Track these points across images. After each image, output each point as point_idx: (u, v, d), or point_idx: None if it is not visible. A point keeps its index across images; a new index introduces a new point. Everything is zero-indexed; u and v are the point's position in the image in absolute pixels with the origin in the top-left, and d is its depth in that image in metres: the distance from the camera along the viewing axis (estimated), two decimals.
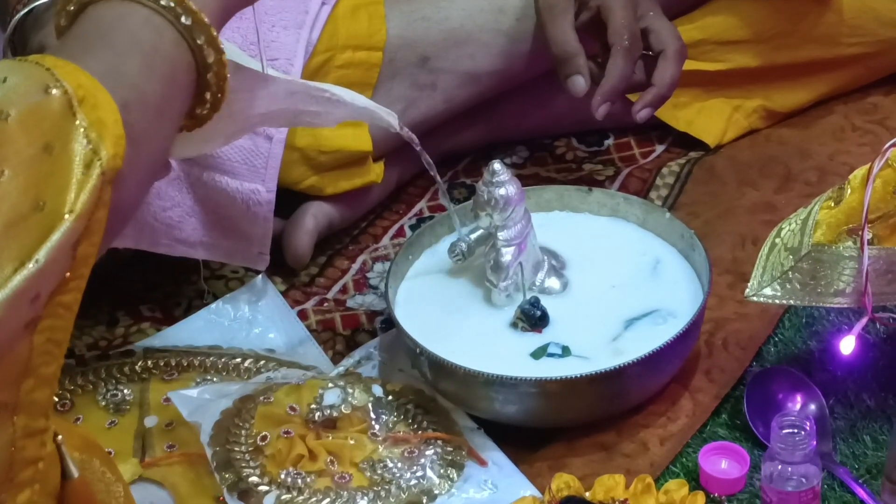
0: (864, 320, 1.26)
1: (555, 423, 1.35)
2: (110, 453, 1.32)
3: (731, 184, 1.64)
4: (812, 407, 1.32)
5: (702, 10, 1.69)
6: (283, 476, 1.30)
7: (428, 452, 1.33)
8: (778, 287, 1.28)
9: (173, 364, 1.46)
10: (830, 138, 1.69)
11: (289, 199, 1.56)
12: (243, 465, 1.30)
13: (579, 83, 1.48)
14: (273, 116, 1.26)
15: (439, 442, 1.34)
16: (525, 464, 1.33)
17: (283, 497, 1.28)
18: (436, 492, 1.30)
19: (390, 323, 1.46)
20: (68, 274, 0.87)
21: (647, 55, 1.50)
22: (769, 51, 1.69)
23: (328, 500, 1.28)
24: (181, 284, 1.57)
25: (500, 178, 1.39)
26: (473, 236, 1.43)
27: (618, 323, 1.38)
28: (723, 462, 1.30)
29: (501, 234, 1.39)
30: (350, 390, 1.37)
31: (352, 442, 1.33)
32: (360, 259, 1.60)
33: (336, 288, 1.57)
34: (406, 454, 1.33)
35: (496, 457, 1.33)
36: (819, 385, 1.33)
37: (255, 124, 1.30)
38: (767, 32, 1.68)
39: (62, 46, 0.96)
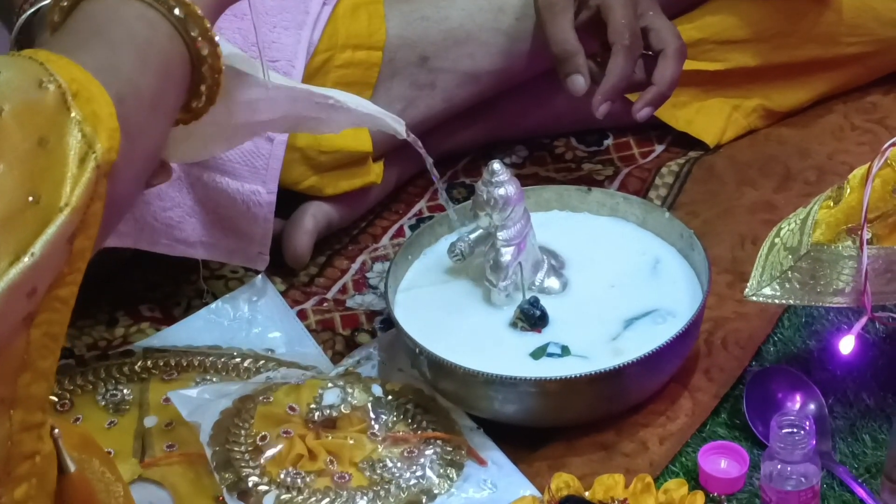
0: (864, 320, 1.26)
1: (554, 422, 1.35)
2: (110, 453, 1.32)
3: (731, 183, 1.64)
4: (811, 406, 1.32)
5: (701, 10, 1.69)
6: (282, 476, 1.30)
7: (427, 452, 1.33)
8: (777, 286, 1.28)
9: (173, 364, 1.46)
10: (830, 137, 1.69)
11: (288, 200, 1.56)
12: (243, 464, 1.30)
13: (579, 82, 1.48)
14: (276, 123, 1.26)
15: (439, 441, 1.34)
16: (524, 463, 1.33)
17: (283, 497, 1.28)
18: (435, 491, 1.30)
19: (390, 323, 1.46)
20: (65, 268, 0.87)
21: (646, 55, 1.50)
22: (768, 50, 1.69)
23: (328, 499, 1.28)
24: (181, 284, 1.57)
25: (500, 178, 1.39)
26: (473, 236, 1.43)
27: (617, 322, 1.38)
28: (722, 461, 1.30)
29: (501, 234, 1.39)
30: (349, 390, 1.37)
31: (351, 442, 1.33)
32: (359, 259, 1.60)
33: (335, 288, 1.57)
34: (405, 454, 1.33)
35: (496, 456, 1.33)
36: (818, 384, 1.33)
37: (258, 130, 1.30)
38: (767, 32, 1.68)
39: (56, 41, 0.96)
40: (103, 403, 1.43)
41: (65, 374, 1.45)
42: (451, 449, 1.33)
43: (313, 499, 1.28)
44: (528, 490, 1.29)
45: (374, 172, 1.60)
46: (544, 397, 1.32)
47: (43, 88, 0.87)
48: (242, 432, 1.33)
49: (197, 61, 1.01)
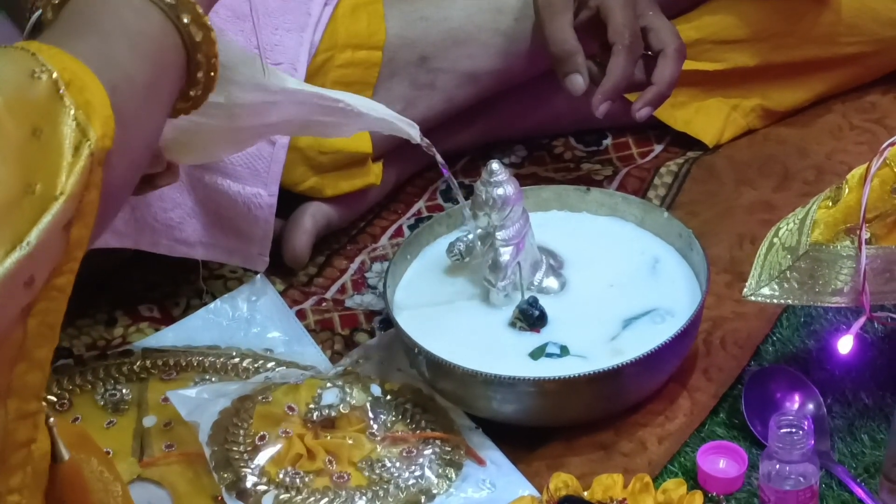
0: (862, 319, 1.26)
1: (553, 422, 1.35)
2: (108, 453, 1.32)
3: (730, 183, 1.64)
4: (810, 406, 1.32)
5: (700, 10, 1.69)
6: (281, 475, 1.30)
7: (426, 452, 1.33)
8: (776, 286, 1.28)
9: (172, 364, 1.46)
10: (828, 137, 1.69)
11: (288, 200, 1.56)
12: (241, 464, 1.30)
13: (578, 82, 1.48)
14: (284, 126, 1.25)
15: (437, 441, 1.34)
16: (523, 463, 1.33)
17: (282, 496, 1.28)
18: (434, 491, 1.30)
19: (388, 322, 1.46)
20: (62, 257, 0.87)
21: (646, 55, 1.50)
22: (767, 50, 1.69)
23: (326, 499, 1.28)
24: (180, 284, 1.57)
25: (499, 178, 1.39)
26: (471, 236, 1.43)
27: (616, 322, 1.38)
28: (721, 461, 1.30)
29: (500, 234, 1.39)
30: (348, 390, 1.37)
31: (350, 441, 1.33)
32: (358, 259, 1.60)
33: (334, 288, 1.57)
34: (404, 453, 1.33)
35: (494, 456, 1.33)
36: (817, 384, 1.33)
37: (266, 133, 1.29)
38: (765, 32, 1.68)
39: (47, 35, 0.96)
40: (102, 403, 1.43)
41: (63, 374, 1.45)
42: (449, 449, 1.33)
43: (312, 498, 1.28)
44: (527, 490, 1.29)
45: (374, 173, 1.60)
46: (543, 397, 1.32)
47: (35, 79, 0.87)
48: (241, 432, 1.33)
49: (191, 48, 1.00)
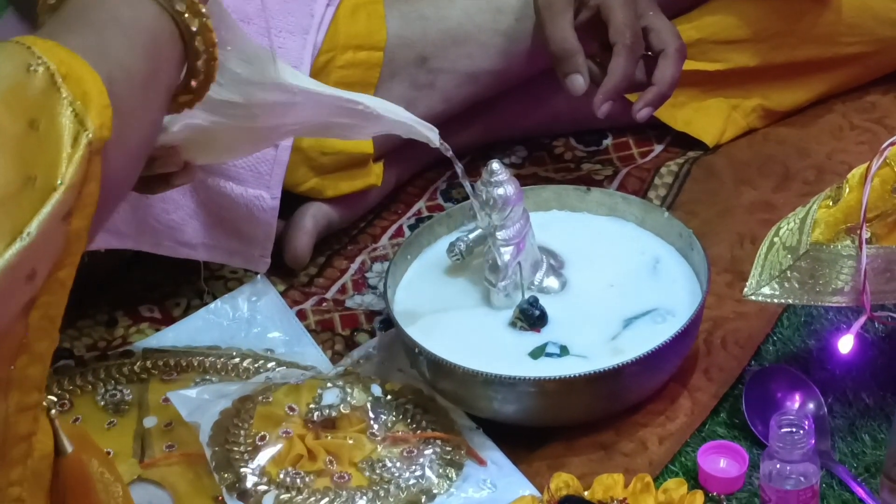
0: (863, 319, 1.26)
1: (553, 422, 1.35)
2: (109, 454, 1.32)
3: (730, 183, 1.64)
4: (811, 405, 1.32)
5: (700, 10, 1.69)
6: (281, 476, 1.30)
7: (427, 452, 1.33)
8: (776, 286, 1.28)
9: (172, 364, 1.46)
10: (829, 137, 1.69)
11: (288, 200, 1.56)
12: (242, 465, 1.30)
13: (578, 82, 1.48)
14: (304, 127, 1.24)
15: (438, 441, 1.34)
16: (524, 463, 1.33)
17: (282, 497, 1.28)
18: (435, 491, 1.30)
19: (389, 323, 1.46)
20: (63, 250, 0.87)
21: (646, 55, 1.50)
22: (767, 50, 1.69)
23: (327, 499, 1.28)
24: (180, 285, 1.57)
25: (499, 178, 1.39)
26: (472, 236, 1.43)
27: (616, 322, 1.38)
28: (721, 461, 1.30)
29: (500, 234, 1.39)
30: (349, 390, 1.37)
31: (351, 442, 1.33)
32: (358, 259, 1.60)
33: (335, 288, 1.57)
34: (405, 454, 1.33)
35: (495, 456, 1.33)
36: (818, 384, 1.33)
37: (285, 135, 1.28)
38: (766, 32, 1.68)
39: (44, 29, 0.96)
40: (103, 404, 1.43)
41: (64, 375, 1.45)
42: (450, 449, 1.33)
43: (313, 499, 1.28)
44: (528, 490, 1.29)
45: (375, 174, 1.60)
46: (543, 397, 1.32)
47: (31, 72, 0.87)
48: (242, 432, 1.33)
49: (188, 37, 1.00)
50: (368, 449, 1.33)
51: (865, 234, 1.23)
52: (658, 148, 1.72)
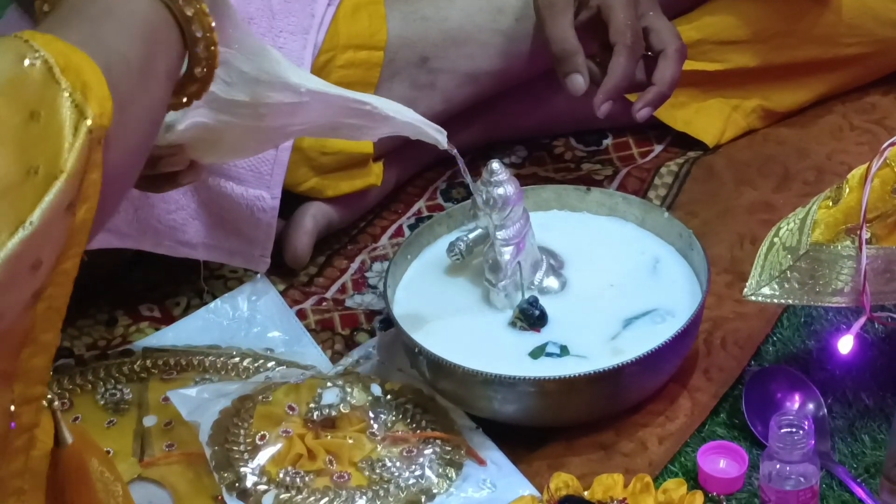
0: (863, 319, 1.26)
1: (553, 422, 1.35)
2: (109, 453, 1.32)
3: (730, 183, 1.64)
4: (810, 406, 1.32)
5: (700, 10, 1.69)
6: (281, 475, 1.30)
7: (427, 452, 1.33)
8: (776, 286, 1.28)
9: (172, 363, 1.46)
10: (829, 138, 1.69)
11: (288, 200, 1.56)
12: (242, 464, 1.30)
13: (578, 82, 1.48)
14: (310, 128, 1.24)
15: (438, 441, 1.34)
16: (524, 463, 1.33)
17: (282, 496, 1.28)
18: (434, 491, 1.30)
19: (389, 322, 1.46)
20: (67, 240, 0.87)
21: (646, 55, 1.50)
22: (768, 51, 1.69)
23: (327, 499, 1.28)
24: (180, 284, 1.57)
25: (499, 178, 1.39)
26: (472, 235, 1.43)
27: (616, 322, 1.38)
28: (721, 461, 1.30)
29: (500, 234, 1.39)
30: (349, 390, 1.37)
31: (350, 441, 1.33)
32: (358, 259, 1.60)
33: (335, 287, 1.57)
34: (405, 453, 1.33)
35: (495, 456, 1.33)
36: (817, 384, 1.33)
37: (293, 134, 1.28)
38: (766, 32, 1.68)
39: (41, 25, 0.96)
40: (102, 403, 1.43)
41: (64, 374, 1.45)
42: (450, 448, 1.33)
43: (312, 498, 1.28)
44: (528, 490, 1.29)
45: (375, 174, 1.60)
46: (543, 397, 1.32)
47: (28, 64, 0.88)
48: (241, 432, 1.33)
49: (184, 23, 1.00)
50: (368, 448, 1.33)
51: (865, 235, 1.24)
52: (658, 148, 1.72)
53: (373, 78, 1.58)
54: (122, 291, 1.57)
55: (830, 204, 1.27)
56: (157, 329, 1.52)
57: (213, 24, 1.01)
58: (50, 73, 0.88)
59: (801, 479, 1.22)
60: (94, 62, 0.91)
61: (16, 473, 0.90)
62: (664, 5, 1.53)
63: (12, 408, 0.88)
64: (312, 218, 1.58)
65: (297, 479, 1.30)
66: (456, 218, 1.49)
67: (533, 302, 1.39)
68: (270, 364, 1.45)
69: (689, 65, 1.55)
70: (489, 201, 1.38)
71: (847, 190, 1.26)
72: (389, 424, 1.35)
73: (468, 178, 1.37)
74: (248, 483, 1.29)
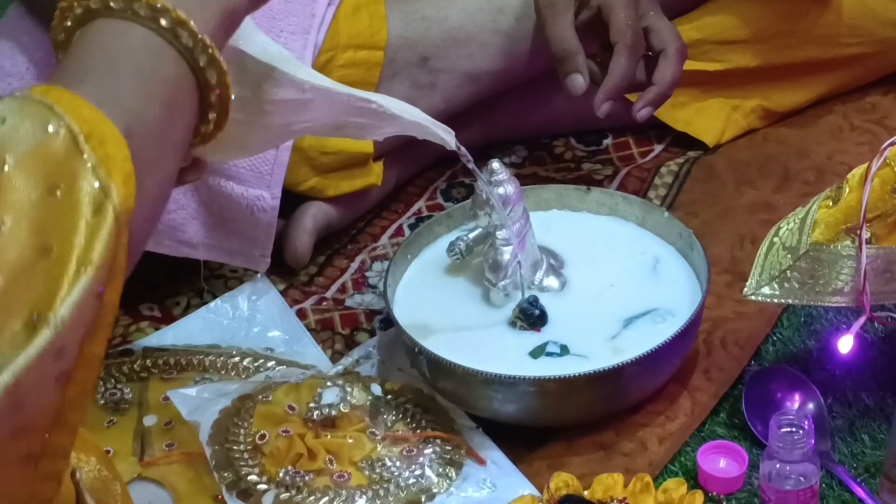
0: (863, 319, 1.26)
1: (553, 422, 1.35)
2: (109, 452, 1.32)
3: (730, 183, 1.64)
4: (810, 406, 1.32)
5: (700, 10, 1.69)
6: (281, 475, 1.30)
7: (427, 451, 1.33)
8: (776, 286, 1.28)
9: (172, 363, 1.46)
10: (829, 138, 1.69)
11: (289, 199, 1.56)
12: (242, 463, 1.30)
13: (578, 82, 1.48)
14: (316, 126, 1.24)
15: (438, 441, 1.34)
16: (524, 463, 1.33)
17: (282, 496, 1.28)
18: (434, 490, 1.30)
19: (389, 322, 1.46)
20: (96, 322, 0.84)
21: (646, 55, 1.50)
22: (768, 51, 1.69)
23: (327, 498, 1.28)
24: (180, 283, 1.57)
25: (499, 178, 1.39)
26: (472, 235, 1.43)
27: (616, 322, 1.38)
28: (721, 461, 1.30)
29: (500, 233, 1.39)
30: (349, 389, 1.37)
31: (350, 441, 1.33)
32: (358, 258, 1.60)
33: (335, 287, 1.57)
34: (405, 453, 1.33)
35: (495, 456, 1.33)
36: (817, 384, 1.33)
37: (299, 133, 1.27)
38: (766, 32, 1.68)
39: (60, 72, 0.93)
40: (102, 402, 1.43)
41: None
42: (450, 448, 1.33)
43: (312, 497, 1.28)
44: (528, 489, 1.29)
45: (375, 173, 1.60)
46: (543, 397, 1.32)
47: (51, 133, 0.83)
48: (242, 431, 1.33)
49: (205, 89, 0.96)
50: (368, 448, 1.33)
51: (865, 235, 1.24)
52: (658, 148, 1.72)
53: (373, 78, 1.58)
54: (123, 291, 1.56)
55: (830, 204, 1.27)
56: (157, 328, 1.52)
57: (226, 68, 0.97)
58: (74, 143, 0.84)
59: (801, 479, 1.22)
60: (119, 132, 0.87)
61: None
62: (664, 5, 1.53)
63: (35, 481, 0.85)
64: (313, 218, 1.58)
65: (298, 479, 1.30)
66: (456, 218, 1.49)
67: (533, 301, 1.39)
68: (270, 364, 1.45)
69: (689, 65, 1.55)
70: (489, 201, 1.38)
71: (847, 190, 1.26)
72: (389, 424, 1.35)
73: (479, 176, 1.36)
74: (249, 482, 1.29)
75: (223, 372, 1.45)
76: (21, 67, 1.50)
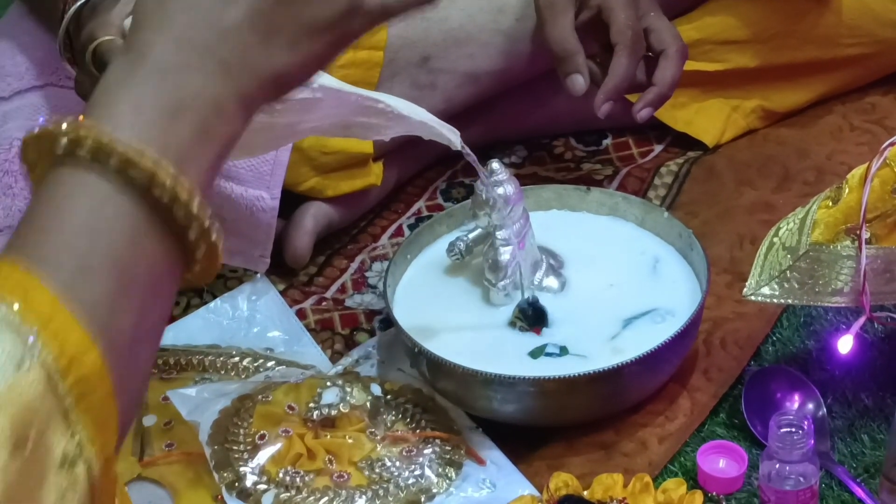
0: (862, 319, 1.26)
1: (553, 422, 1.35)
2: None
3: (730, 183, 1.64)
4: (810, 406, 1.32)
5: (700, 10, 1.69)
6: (281, 475, 1.30)
7: (426, 451, 1.33)
8: (776, 286, 1.28)
9: (172, 363, 1.46)
10: (829, 138, 1.69)
11: (288, 199, 1.56)
12: (241, 463, 1.30)
13: (579, 82, 1.48)
14: (322, 126, 1.23)
15: (438, 441, 1.34)
16: (523, 463, 1.33)
17: (282, 496, 1.28)
18: (434, 491, 1.30)
19: (389, 322, 1.46)
20: None
21: (647, 55, 1.50)
22: (768, 51, 1.69)
23: (326, 498, 1.28)
24: None
25: (499, 178, 1.39)
26: (472, 235, 1.43)
27: (616, 322, 1.38)
28: (721, 461, 1.30)
29: (500, 234, 1.39)
30: (348, 389, 1.37)
31: (350, 441, 1.33)
32: (358, 258, 1.60)
33: (335, 287, 1.57)
34: (404, 453, 1.33)
35: (494, 456, 1.33)
36: (817, 384, 1.33)
37: (306, 133, 1.27)
38: (766, 33, 1.68)
39: (19, 239, 0.76)
40: None
41: None
42: (449, 448, 1.33)
43: (312, 498, 1.28)
44: (527, 489, 1.29)
45: (375, 174, 1.60)
46: (543, 397, 1.32)
47: (24, 372, 0.71)
48: (241, 431, 1.33)
49: (191, 262, 0.80)
50: (368, 448, 1.33)
51: (865, 235, 1.24)
52: (658, 148, 1.72)
53: (373, 78, 1.58)
54: None
55: (830, 204, 1.27)
56: None
57: (215, 238, 0.80)
58: (48, 382, 0.71)
59: (801, 479, 1.22)
60: (96, 349, 0.73)
61: None
62: (664, 5, 1.53)
63: None
64: (312, 218, 1.57)
65: (297, 479, 1.30)
66: (456, 218, 1.49)
67: (533, 302, 1.39)
68: (270, 364, 1.45)
69: (689, 65, 1.55)
70: (489, 201, 1.38)
71: (847, 190, 1.26)
72: (389, 424, 1.35)
73: (483, 176, 1.36)
74: (248, 482, 1.29)
75: (223, 372, 1.45)
76: (21, 67, 1.50)
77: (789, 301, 1.28)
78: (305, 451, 1.32)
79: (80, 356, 0.73)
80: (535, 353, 1.36)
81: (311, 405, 1.36)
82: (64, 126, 0.77)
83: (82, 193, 0.77)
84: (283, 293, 1.54)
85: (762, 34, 1.68)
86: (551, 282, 1.42)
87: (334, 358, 1.46)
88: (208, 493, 1.31)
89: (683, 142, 1.71)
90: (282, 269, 1.57)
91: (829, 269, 1.25)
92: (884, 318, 1.30)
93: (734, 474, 1.28)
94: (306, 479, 1.30)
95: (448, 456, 1.33)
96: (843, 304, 1.27)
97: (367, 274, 1.58)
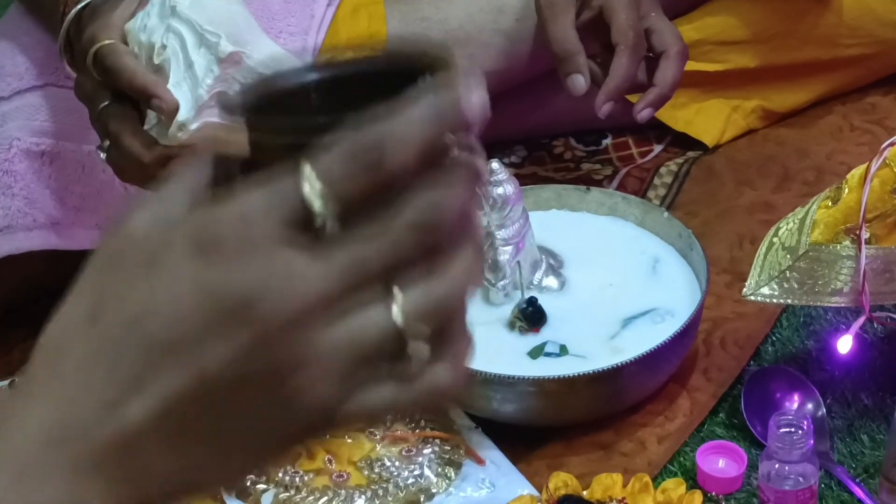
0: (862, 319, 1.26)
1: (552, 422, 1.35)
2: None
3: (729, 183, 1.64)
4: (809, 406, 1.32)
5: (700, 11, 1.69)
6: (280, 474, 1.30)
7: (426, 451, 1.33)
8: (776, 286, 1.28)
9: None
10: (828, 138, 1.69)
11: None
12: None
13: (579, 82, 1.48)
14: None
15: (437, 441, 1.34)
16: (523, 463, 1.33)
17: (282, 495, 1.28)
18: (433, 490, 1.30)
19: None
20: None
21: (647, 56, 1.50)
22: (768, 51, 1.69)
23: (326, 498, 1.28)
24: None
25: (498, 178, 1.39)
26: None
27: (615, 322, 1.38)
28: (720, 461, 1.29)
29: (499, 233, 1.39)
30: None
31: (350, 440, 1.33)
32: None
33: None
34: (404, 453, 1.33)
35: (494, 456, 1.33)
36: (817, 384, 1.33)
37: None
38: (766, 33, 1.68)
39: None
40: None
41: None
42: (449, 448, 1.33)
43: (311, 497, 1.29)
44: (527, 489, 1.29)
45: None
46: (542, 397, 1.32)
47: None
48: None
49: None
50: (367, 448, 1.33)
51: (865, 235, 1.24)
52: (658, 148, 1.72)
53: None
54: None
55: (830, 204, 1.27)
56: None
57: None
58: None
59: (800, 479, 1.22)
60: None
61: None
62: (664, 6, 1.53)
63: None
64: None
65: (297, 479, 1.30)
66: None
67: (532, 302, 1.39)
68: None
69: (689, 65, 1.55)
70: (488, 201, 1.38)
71: (846, 190, 1.26)
72: (388, 424, 1.35)
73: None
74: (247, 482, 1.29)
75: None
76: (21, 67, 1.50)
77: (789, 301, 1.28)
78: (305, 450, 1.31)
79: None
80: (535, 353, 1.36)
81: None
82: None
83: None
84: None
85: (762, 34, 1.68)
86: (551, 281, 1.42)
87: None
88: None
89: (683, 142, 1.71)
90: None
91: (828, 269, 1.25)
92: (883, 318, 1.30)
93: (733, 474, 1.28)
94: (305, 478, 1.30)
95: (447, 456, 1.33)
96: (843, 304, 1.27)
97: None
